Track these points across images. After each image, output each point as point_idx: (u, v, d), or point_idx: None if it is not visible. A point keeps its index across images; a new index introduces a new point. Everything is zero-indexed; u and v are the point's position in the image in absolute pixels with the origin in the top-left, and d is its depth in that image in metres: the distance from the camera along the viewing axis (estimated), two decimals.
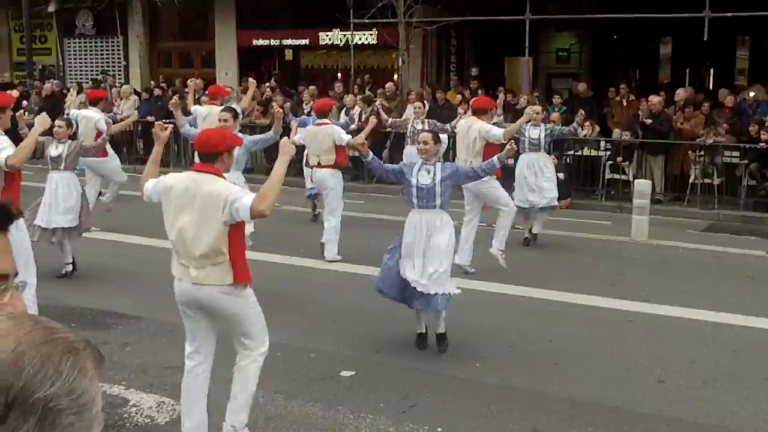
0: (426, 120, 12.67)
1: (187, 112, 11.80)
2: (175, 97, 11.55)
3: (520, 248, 11.63)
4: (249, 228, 10.38)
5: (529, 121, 11.24)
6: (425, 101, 17.21)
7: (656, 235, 12.39)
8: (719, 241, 12.59)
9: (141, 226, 12.35)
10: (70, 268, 9.91)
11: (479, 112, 10.26)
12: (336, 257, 10.64)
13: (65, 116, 11.21)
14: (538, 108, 12.01)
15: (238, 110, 10.02)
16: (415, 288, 7.16)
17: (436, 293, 7.15)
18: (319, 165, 10.91)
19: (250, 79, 13.42)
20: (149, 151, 19.23)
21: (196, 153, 5.68)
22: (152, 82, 21.99)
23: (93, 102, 13.41)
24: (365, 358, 7.21)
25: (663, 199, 15.35)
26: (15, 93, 14.51)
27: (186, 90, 19.60)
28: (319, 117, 11.15)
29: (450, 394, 6.46)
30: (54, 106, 19.93)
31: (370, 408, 6.16)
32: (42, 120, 7.58)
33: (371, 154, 7.88)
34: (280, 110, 9.67)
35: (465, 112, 11.41)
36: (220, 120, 8.76)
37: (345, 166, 11.46)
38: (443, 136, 7.98)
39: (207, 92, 14.37)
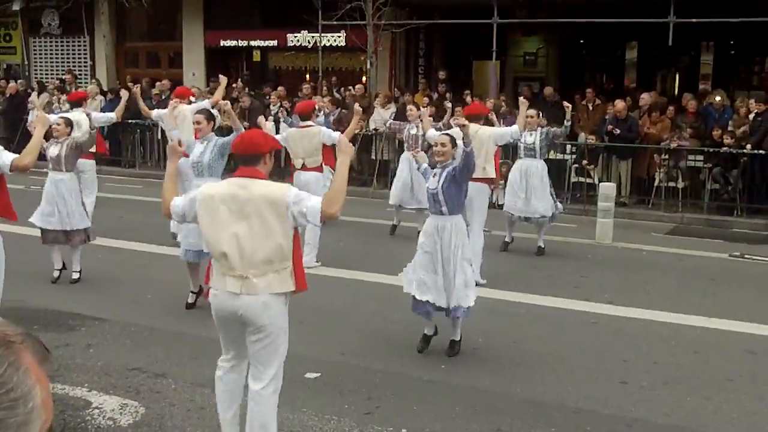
0: (419, 123, 12.43)
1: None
2: (137, 87, 11.37)
3: (487, 251, 11.67)
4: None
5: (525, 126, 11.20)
6: (392, 104, 17.30)
7: (621, 238, 12.51)
8: (683, 243, 12.74)
9: (105, 229, 12.27)
10: (76, 276, 9.74)
11: (476, 119, 10.02)
12: (313, 263, 10.36)
13: (62, 115, 11.00)
14: (533, 111, 11.72)
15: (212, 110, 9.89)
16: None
17: (458, 306, 7.23)
18: (303, 168, 10.65)
19: (221, 76, 13.24)
20: (115, 152, 19.17)
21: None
22: (118, 82, 21.82)
23: (76, 104, 13.20)
24: (330, 360, 7.21)
25: (628, 202, 15.50)
26: None
27: (156, 93, 19.53)
28: (302, 119, 10.87)
29: (415, 396, 6.47)
30: (18, 105, 19.79)
31: (334, 410, 6.16)
32: (42, 119, 7.44)
33: (424, 163, 7.82)
34: (228, 105, 9.50)
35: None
36: (194, 122, 8.64)
37: (329, 167, 11.28)
38: (459, 142, 7.85)
39: (172, 95, 14.22)
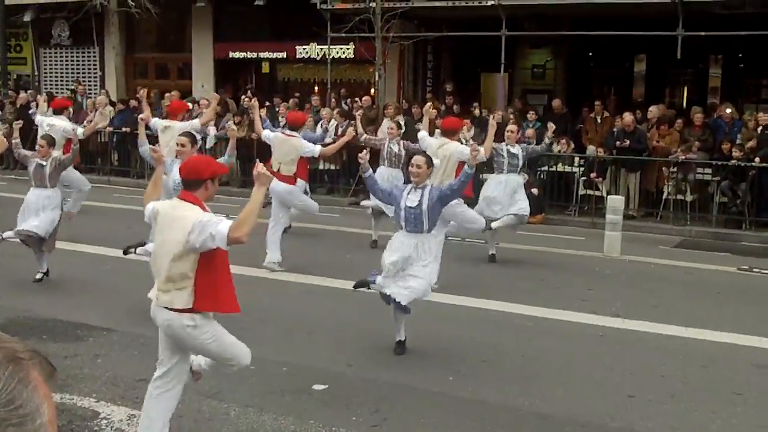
0: (401, 141, 12.56)
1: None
2: (146, 113, 11.46)
3: (493, 264, 11.70)
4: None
5: (503, 140, 11.34)
6: (401, 116, 17.33)
7: (629, 251, 12.50)
8: (691, 257, 12.71)
9: (113, 238, 12.30)
10: (40, 276, 9.97)
11: (450, 133, 10.39)
12: (273, 265, 10.75)
13: (46, 134, 11.19)
14: (514, 126, 11.95)
15: (196, 134, 9.90)
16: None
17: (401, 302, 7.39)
18: (278, 173, 10.72)
19: (213, 93, 13.42)
20: (124, 163, 19.31)
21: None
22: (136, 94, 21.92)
23: (57, 111, 13.38)
24: (338, 372, 7.21)
25: (636, 215, 15.48)
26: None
27: (164, 102, 19.63)
28: (290, 128, 11.30)
29: (422, 408, 6.47)
30: (28, 115, 19.85)
31: (342, 422, 6.16)
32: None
33: (370, 170, 7.97)
34: (233, 131, 9.59)
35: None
36: (177, 144, 8.64)
37: (302, 180, 11.52)
38: (435, 160, 7.96)
39: (167, 107, 14.30)
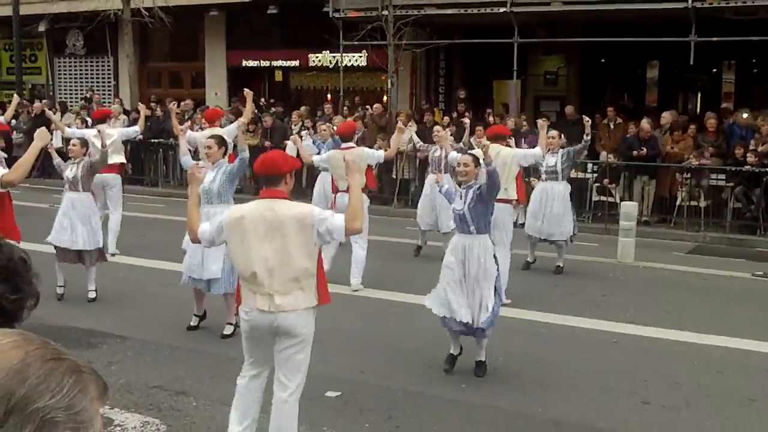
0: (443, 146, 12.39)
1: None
2: (186, 124, 11.38)
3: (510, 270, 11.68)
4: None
5: (549, 148, 11.11)
6: (413, 124, 17.34)
7: (642, 257, 12.46)
8: (705, 263, 12.66)
9: (126, 246, 12.36)
10: (93, 294, 9.76)
11: (498, 138, 10.01)
12: (359, 286, 10.37)
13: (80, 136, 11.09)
14: (555, 132, 11.65)
15: (226, 137, 9.82)
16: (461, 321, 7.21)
17: (480, 327, 7.22)
18: (348, 190, 10.47)
19: (246, 90, 13.16)
20: (138, 171, 19.33)
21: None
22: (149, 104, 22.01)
23: (100, 120, 13.27)
24: (351, 379, 7.21)
25: (650, 221, 15.43)
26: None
27: (177, 112, 19.74)
28: (343, 140, 10.80)
29: (435, 415, 6.46)
30: (43, 125, 19.96)
31: (355, 429, 6.16)
32: (42, 134, 7.37)
33: (446, 184, 7.94)
34: (243, 122, 9.46)
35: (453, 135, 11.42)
36: (205, 147, 8.60)
37: (372, 189, 11.11)
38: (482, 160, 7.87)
39: (203, 114, 14.34)
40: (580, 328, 8.93)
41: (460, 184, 7.71)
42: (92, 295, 9.75)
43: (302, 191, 14.81)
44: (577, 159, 12.24)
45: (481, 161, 7.48)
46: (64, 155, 10.65)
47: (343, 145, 10.74)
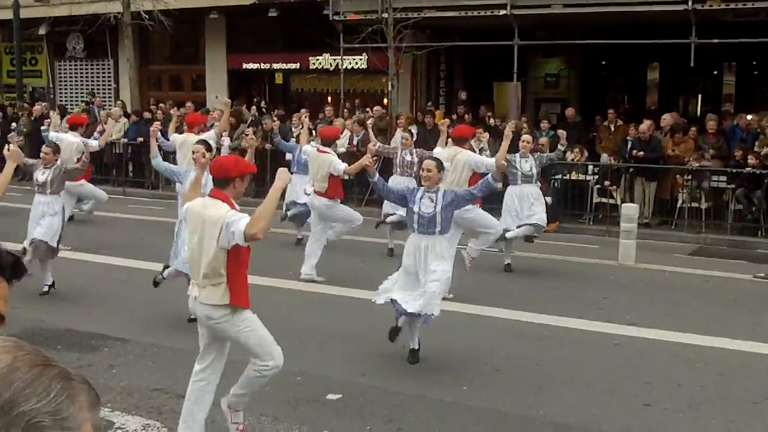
0: (414, 150, 12.57)
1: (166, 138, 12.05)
2: (156, 124, 11.52)
3: (508, 273, 11.67)
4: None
5: (518, 151, 11.30)
6: (414, 126, 17.34)
7: (643, 259, 12.44)
8: (706, 265, 12.65)
9: (127, 249, 12.36)
10: (46, 288, 9.95)
11: (460, 141, 10.38)
12: (309, 275, 10.76)
13: (51, 141, 11.22)
14: (528, 137, 11.81)
15: (212, 142, 9.93)
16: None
17: (425, 314, 7.41)
18: (316, 192, 10.95)
19: (225, 99, 13.48)
20: (139, 174, 19.36)
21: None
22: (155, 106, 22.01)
23: (72, 127, 13.57)
24: (351, 382, 7.20)
25: (651, 223, 15.42)
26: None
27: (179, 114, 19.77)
28: (323, 144, 11.25)
29: (436, 418, 6.45)
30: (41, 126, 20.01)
31: (356, 431, 6.14)
32: (14, 155, 7.69)
33: (377, 174, 8.04)
34: (252, 139, 9.58)
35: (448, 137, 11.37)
36: (192, 152, 8.67)
37: (337, 198, 11.26)
38: (446, 164, 8.08)
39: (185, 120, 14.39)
40: (581, 331, 8.91)
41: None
42: (45, 288, 9.93)
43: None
44: (548, 164, 12.30)
45: (446, 164, 7.93)
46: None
47: (320, 147, 11.18)
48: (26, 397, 1.18)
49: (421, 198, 7.57)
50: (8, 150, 7.95)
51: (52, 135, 12.94)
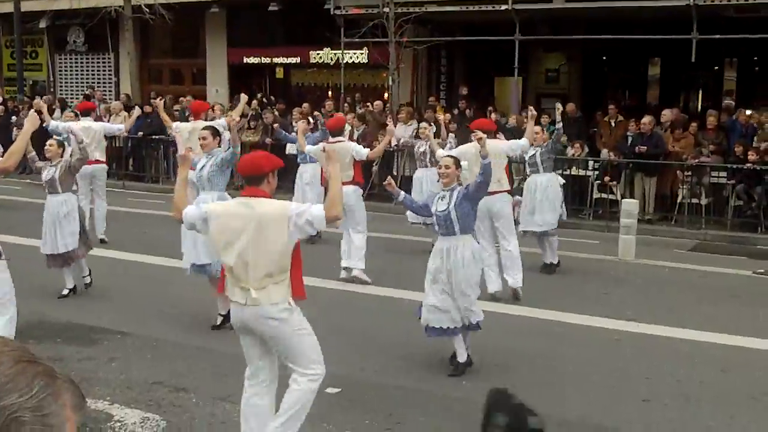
0: (450, 140, 12.41)
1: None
2: (159, 99, 11.35)
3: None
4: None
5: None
6: (414, 121, 17.33)
7: (643, 255, 12.44)
8: (706, 260, 12.64)
9: (128, 242, 12.36)
10: (88, 280, 9.89)
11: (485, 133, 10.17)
12: (363, 275, 10.52)
13: (56, 136, 11.10)
14: (538, 128, 11.62)
15: (220, 128, 9.92)
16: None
17: (470, 324, 7.32)
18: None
19: (242, 95, 13.34)
20: (138, 168, 19.30)
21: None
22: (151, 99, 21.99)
23: (85, 113, 13.48)
24: (351, 376, 7.20)
25: (651, 219, 15.41)
26: None
27: (177, 109, 19.81)
28: (333, 135, 11.05)
29: (436, 413, 6.45)
30: (43, 121, 20.01)
31: (355, 425, 6.15)
32: (32, 118, 7.38)
33: (402, 192, 7.88)
34: (235, 120, 9.55)
35: (454, 132, 11.34)
36: (199, 138, 8.71)
37: (361, 184, 11.19)
38: (463, 162, 7.84)
39: (190, 107, 14.47)
40: (581, 326, 8.91)
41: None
42: (64, 292, 9.72)
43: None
44: (556, 149, 12.03)
45: (463, 162, 7.57)
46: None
47: (333, 138, 10.98)
48: (8, 392, 1.18)
49: (439, 199, 7.39)
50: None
51: (56, 124, 12.78)
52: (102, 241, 12.45)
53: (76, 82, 26.93)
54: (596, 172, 16.14)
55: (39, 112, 8.75)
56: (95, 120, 14.85)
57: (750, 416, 6.51)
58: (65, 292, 9.75)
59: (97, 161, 12.76)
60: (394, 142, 16.97)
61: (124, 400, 6.51)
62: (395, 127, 16.96)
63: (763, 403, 6.80)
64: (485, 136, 7.81)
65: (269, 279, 5.17)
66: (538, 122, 16.92)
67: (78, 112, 13.62)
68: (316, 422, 6.11)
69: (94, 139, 12.56)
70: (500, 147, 10.05)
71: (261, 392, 5.46)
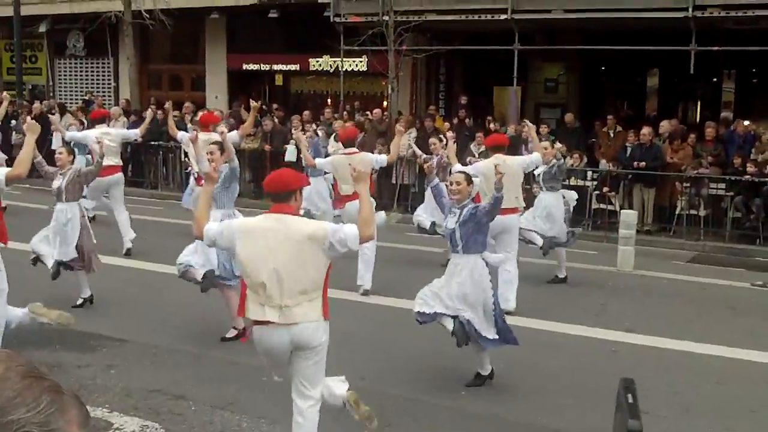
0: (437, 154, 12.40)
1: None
2: (194, 133, 11.11)
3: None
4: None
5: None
6: (413, 129, 17.38)
7: (642, 266, 12.46)
8: (704, 272, 12.66)
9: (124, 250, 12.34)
10: (79, 301, 9.63)
11: (498, 149, 10.11)
12: (368, 288, 10.44)
13: (65, 143, 11.14)
14: (547, 143, 11.57)
15: (232, 144, 9.75)
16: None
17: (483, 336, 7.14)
18: (354, 195, 9.84)
19: (252, 102, 13.04)
20: (137, 173, 19.22)
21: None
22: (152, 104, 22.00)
23: (101, 120, 13.52)
24: (351, 385, 7.14)
25: (650, 230, 15.43)
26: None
27: (176, 115, 19.79)
28: (346, 146, 10.88)
29: (434, 422, 6.46)
30: (42, 126, 20.01)
31: None
32: (32, 126, 7.46)
33: (437, 179, 7.68)
34: (224, 132, 9.45)
35: (454, 141, 11.29)
36: (207, 153, 8.54)
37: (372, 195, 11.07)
38: (475, 179, 7.74)
39: (198, 119, 14.41)
40: (579, 337, 8.93)
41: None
42: (78, 301, 9.62)
43: None
44: (560, 177, 11.72)
45: (475, 179, 7.51)
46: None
47: (347, 150, 10.79)
48: (16, 406, 1.19)
49: (450, 214, 7.31)
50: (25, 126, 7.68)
51: (79, 135, 12.76)
52: (127, 251, 12.36)
53: (76, 87, 26.95)
54: (595, 183, 16.17)
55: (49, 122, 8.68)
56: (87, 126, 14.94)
57: (748, 429, 6.53)
58: (80, 301, 9.64)
59: (113, 169, 12.71)
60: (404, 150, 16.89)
61: (123, 408, 6.51)
62: (393, 135, 17.03)
63: (762, 415, 6.82)
64: (503, 174, 7.44)
65: (304, 296, 5.15)
66: (537, 132, 17.02)
67: (83, 120, 13.69)
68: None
69: (111, 146, 12.62)
70: (516, 164, 10.06)
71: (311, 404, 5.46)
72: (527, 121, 11.62)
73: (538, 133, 16.51)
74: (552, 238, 11.21)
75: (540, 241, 11.14)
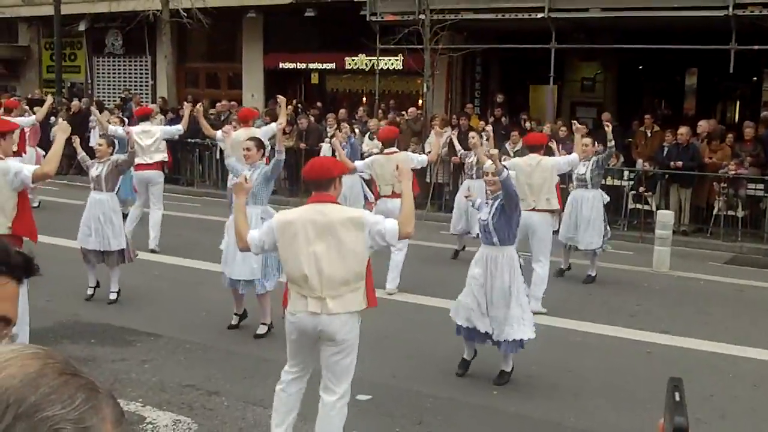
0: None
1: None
2: (228, 126, 11.12)
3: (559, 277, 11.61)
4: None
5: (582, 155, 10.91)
6: (448, 128, 17.31)
7: (678, 267, 12.33)
8: (741, 274, 12.50)
9: (162, 246, 12.45)
10: (114, 296, 9.67)
11: (536, 148, 10.05)
12: (395, 290, 10.39)
13: (105, 134, 11.33)
14: (588, 140, 11.53)
15: (265, 140, 9.73)
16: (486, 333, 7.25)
17: (505, 340, 7.18)
18: (393, 194, 10.22)
19: (279, 97, 13.09)
20: (174, 171, 19.25)
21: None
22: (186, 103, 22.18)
23: (143, 118, 13.68)
24: (382, 383, 7.21)
25: (686, 230, 15.27)
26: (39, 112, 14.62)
27: (212, 112, 19.95)
28: (386, 146, 10.81)
29: (465, 422, 6.44)
30: (80, 123, 20.27)
31: None
32: (62, 127, 7.59)
33: (506, 171, 7.36)
34: (282, 125, 9.47)
35: (488, 139, 11.21)
36: (243, 149, 8.50)
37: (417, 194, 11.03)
38: (511, 172, 7.70)
39: (237, 116, 14.49)
40: (613, 338, 8.86)
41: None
42: (113, 296, 9.66)
43: None
44: (606, 166, 11.96)
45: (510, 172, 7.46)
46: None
47: (387, 150, 10.73)
48: (51, 403, 1.19)
49: (487, 204, 7.41)
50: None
51: (120, 131, 12.93)
52: (152, 251, 12.35)
53: (114, 85, 27.25)
54: (631, 182, 16.03)
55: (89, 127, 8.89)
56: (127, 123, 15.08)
57: None
58: (90, 291, 9.75)
59: (154, 164, 12.89)
60: (428, 149, 16.94)
61: (156, 402, 6.57)
62: (429, 134, 17.00)
63: None
64: (497, 152, 7.67)
65: (346, 287, 5.16)
66: (572, 131, 16.90)
67: (123, 117, 13.82)
68: (345, 428, 6.11)
69: (154, 142, 12.76)
70: (549, 165, 9.96)
71: (300, 380, 5.55)
72: (576, 122, 11.51)
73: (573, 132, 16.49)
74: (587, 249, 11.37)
75: (564, 265, 11.66)
